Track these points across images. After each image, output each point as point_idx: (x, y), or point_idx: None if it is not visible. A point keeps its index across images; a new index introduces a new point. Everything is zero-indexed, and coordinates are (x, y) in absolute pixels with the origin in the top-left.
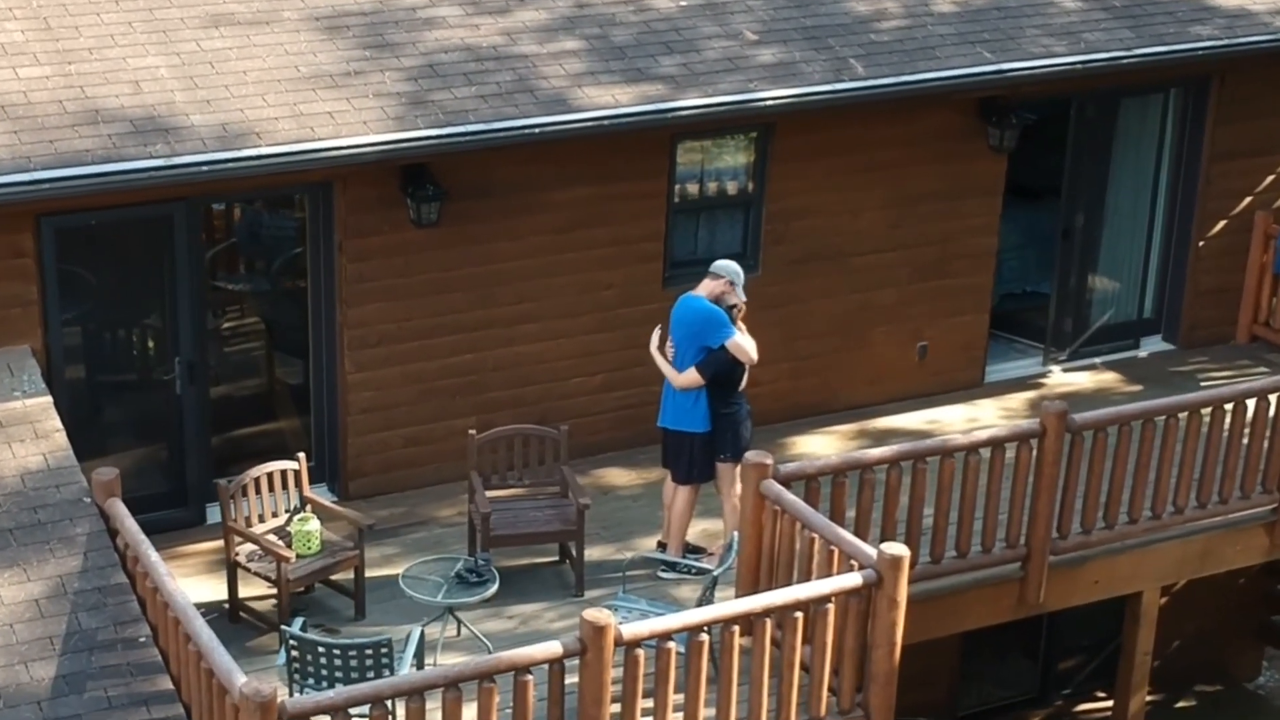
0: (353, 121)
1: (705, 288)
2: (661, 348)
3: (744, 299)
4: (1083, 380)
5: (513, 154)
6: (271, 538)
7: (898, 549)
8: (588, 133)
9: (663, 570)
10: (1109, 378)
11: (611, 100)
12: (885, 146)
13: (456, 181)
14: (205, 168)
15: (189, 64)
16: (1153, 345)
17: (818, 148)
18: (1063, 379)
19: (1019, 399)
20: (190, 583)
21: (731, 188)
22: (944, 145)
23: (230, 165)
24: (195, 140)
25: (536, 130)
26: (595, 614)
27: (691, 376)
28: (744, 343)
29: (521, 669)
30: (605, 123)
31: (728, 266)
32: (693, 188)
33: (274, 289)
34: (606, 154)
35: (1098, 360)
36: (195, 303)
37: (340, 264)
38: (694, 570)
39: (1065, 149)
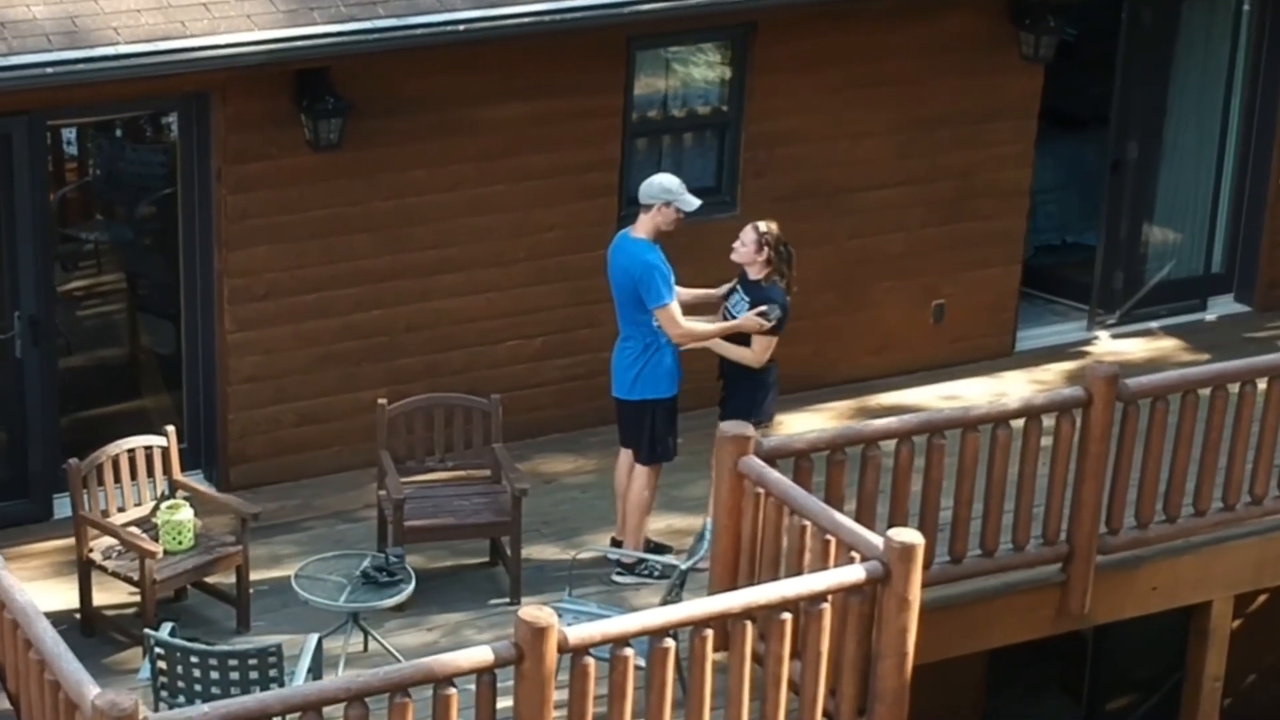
0: (233, 15)
1: (643, 225)
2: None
3: (694, 204)
4: (1136, 348)
5: (433, 59)
6: (134, 530)
7: (910, 535)
8: (525, 33)
9: (618, 573)
10: (1168, 345)
11: None
12: (893, 56)
13: (363, 93)
14: (50, 70)
15: None
16: (1222, 306)
17: (809, 57)
18: (1111, 347)
19: (1057, 371)
20: (34, 588)
21: (702, 106)
22: (966, 55)
23: (80, 68)
24: (38, 37)
25: (462, 29)
26: (535, 613)
27: (763, 346)
28: (688, 324)
29: (443, 680)
30: (547, 20)
31: (654, 185)
32: (654, 106)
33: (138, 238)
34: (548, 61)
35: (1154, 325)
36: (39, 243)
37: (218, 197)
38: (657, 572)
39: (1115, 65)
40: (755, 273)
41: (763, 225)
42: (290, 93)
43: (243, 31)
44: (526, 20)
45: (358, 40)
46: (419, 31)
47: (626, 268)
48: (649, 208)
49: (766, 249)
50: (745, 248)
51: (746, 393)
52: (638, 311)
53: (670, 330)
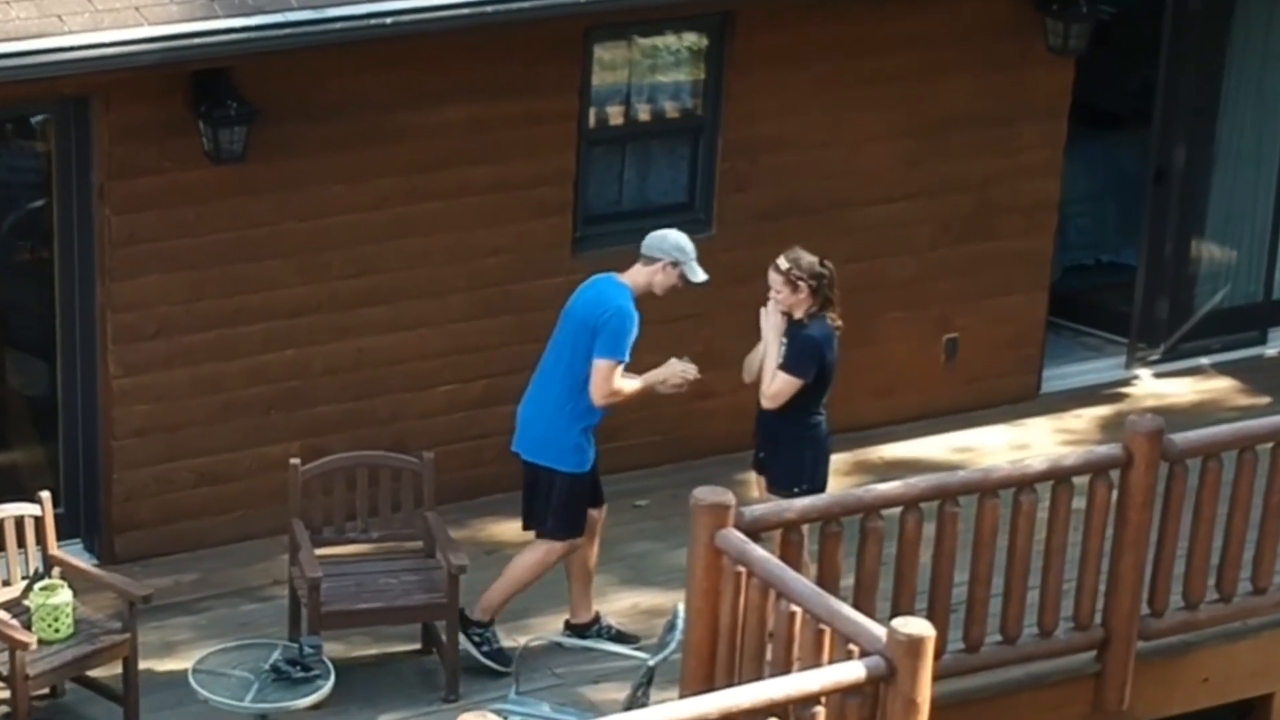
0: (120, 8)
1: (636, 275)
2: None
3: (701, 278)
4: (1183, 389)
5: (354, 57)
6: (2, 615)
7: (918, 626)
8: (464, 25)
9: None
10: (1221, 385)
11: None
12: (897, 49)
13: (271, 97)
14: None
15: None
16: None
17: (798, 50)
18: (1154, 388)
19: (1090, 417)
20: None
21: (672, 108)
22: (983, 47)
23: None
24: None
25: (389, 22)
26: None
27: (780, 382)
28: (620, 383)
29: None
30: (489, 10)
31: (666, 240)
32: (616, 108)
33: (6, 258)
34: (492, 58)
35: (1205, 361)
36: None
37: (101, 217)
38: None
39: (1158, 56)
40: (799, 312)
41: (783, 261)
42: (186, 97)
43: (131, 27)
44: (466, 12)
45: (266, 37)
46: (338, 26)
47: (594, 305)
48: (651, 261)
49: (801, 284)
50: (780, 294)
51: (792, 451)
52: (581, 362)
53: (599, 388)
